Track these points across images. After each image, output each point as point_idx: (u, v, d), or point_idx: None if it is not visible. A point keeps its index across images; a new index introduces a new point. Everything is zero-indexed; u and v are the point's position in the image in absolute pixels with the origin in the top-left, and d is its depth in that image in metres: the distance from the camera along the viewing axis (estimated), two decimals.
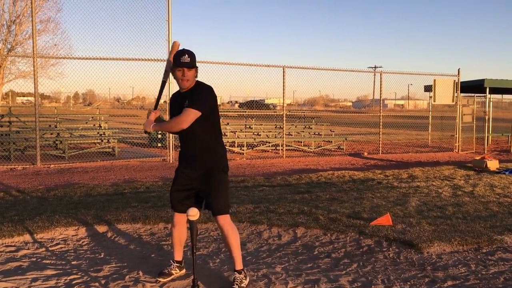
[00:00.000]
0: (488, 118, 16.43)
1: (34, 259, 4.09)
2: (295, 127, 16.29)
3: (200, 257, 4.17)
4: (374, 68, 57.23)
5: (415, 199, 6.55)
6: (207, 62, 11.33)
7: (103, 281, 3.59)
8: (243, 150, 13.16)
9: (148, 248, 4.47)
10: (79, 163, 10.46)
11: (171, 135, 10.94)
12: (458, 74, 14.73)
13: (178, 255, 3.74)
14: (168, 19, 10.71)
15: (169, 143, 11.06)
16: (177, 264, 3.72)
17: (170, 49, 3.57)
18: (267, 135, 15.09)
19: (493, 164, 9.82)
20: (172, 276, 3.65)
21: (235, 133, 14.53)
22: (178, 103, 3.41)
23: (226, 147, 3.80)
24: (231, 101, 54.68)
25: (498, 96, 23.32)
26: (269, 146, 14.25)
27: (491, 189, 7.43)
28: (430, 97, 15.30)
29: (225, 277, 3.70)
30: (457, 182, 8.09)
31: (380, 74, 14.05)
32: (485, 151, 14.58)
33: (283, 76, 12.19)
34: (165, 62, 3.62)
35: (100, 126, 14.14)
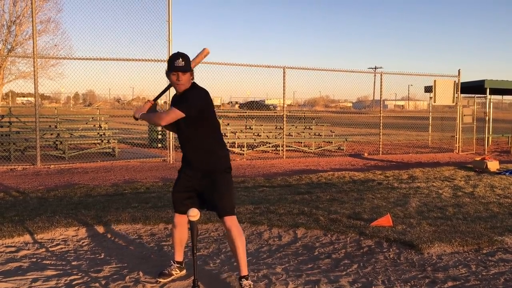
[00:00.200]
0: (489, 119, 16.43)
1: (34, 260, 4.09)
2: (296, 127, 16.29)
3: (201, 257, 4.16)
4: (374, 69, 57.22)
5: (415, 199, 6.55)
6: (207, 62, 11.32)
7: (103, 282, 3.59)
8: (243, 150, 13.16)
9: (149, 249, 4.47)
10: (79, 163, 10.46)
11: (171, 135, 10.94)
12: (459, 75, 14.74)
13: (179, 256, 3.74)
14: (169, 19, 10.71)
15: (169, 144, 11.06)
16: (177, 265, 3.72)
17: (199, 54, 3.50)
18: (267, 136, 15.09)
19: (493, 165, 9.82)
20: (173, 277, 3.65)
21: (235, 133, 14.53)
22: (174, 103, 3.40)
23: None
24: (231, 102, 54.71)
25: (499, 97, 23.33)
26: (269, 146, 14.25)
27: (492, 190, 7.43)
28: (431, 98, 15.30)
29: (225, 278, 3.70)
30: (458, 183, 8.09)
31: (381, 75, 14.05)
32: (486, 152, 14.58)
33: (284, 76, 12.20)
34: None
35: (100, 127, 14.15)
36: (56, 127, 13.14)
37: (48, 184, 7.86)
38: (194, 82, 3.40)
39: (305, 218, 5.37)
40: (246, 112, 17.18)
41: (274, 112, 22.18)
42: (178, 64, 3.24)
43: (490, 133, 16.88)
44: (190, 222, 3.00)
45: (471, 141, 15.45)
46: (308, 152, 14.10)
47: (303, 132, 16.18)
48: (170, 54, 10.14)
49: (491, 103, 17.79)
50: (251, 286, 3.36)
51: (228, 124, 14.94)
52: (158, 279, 3.60)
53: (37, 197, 6.57)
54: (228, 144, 13.11)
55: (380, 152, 13.73)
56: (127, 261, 4.10)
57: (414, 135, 20.37)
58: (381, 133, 13.97)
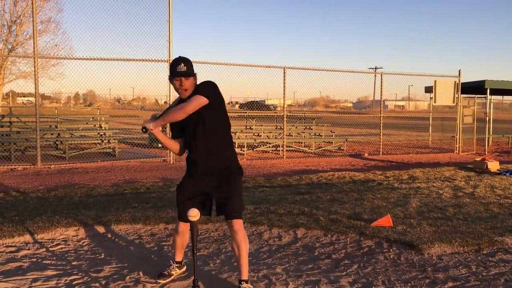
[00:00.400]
0: (489, 119, 16.42)
1: (35, 260, 4.09)
2: (296, 128, 16.29)
3: (201, 257, 4.17)
4: (374, 69, 57.26)
5: (415, 200, 6.54)
6: (207, 62, 11.34)
7: (103, 282, 3.59)
8: (243, 150, 13.16)
9: (149, 249, 4.47)
10: (80, 163, 10.47)
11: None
12: (459, 75, 14.73)
13: (179, 257, 3.75)
14: (169, 19, 10.70)
15: None
16: (177, 265, 3.73)
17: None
18: (267, 136, 15.09)
19: (493, 165, 9.82)
20: (172, 277, 3.66)
21: (235, 133, 14.53)
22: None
23: None
24: (231, 102, 54.71)
25: (499, 97, 23.34)
26: (269, 147, 14.25)
27: (492, 190, 7.43)
28: (431, 98, 15.29)
29: (226, 278, 3.70)
30: (458, 183, 8.09)
31: (381, 75, 14.05)
32: (486, 152, 14.58)
33: (284, 77, 12.20)
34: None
35: (101, 127, 14.15)
36: (56, 127, 13.14)
37: (48, 184, 7.86)
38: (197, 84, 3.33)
39: (305, 218, 5.37)
40: (246, 112, 17.16)
41: (274, 112, 22.16)
42: (180, 69, 3.17)
43: (491, 133, 16.88)
44: (190, 222, 2.99)
45: (471, 142, 15.44)
46: (308, 152, 14.10)
47: (303, 132, 16.18)
48: (171, 54, 10.28)
49: (492, 103, 17.78)
50: None
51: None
52: (158, 280, 3.60)
53: (37, 197, 6.58)
54: None
55: (381, 153, 13.73)
56: (127, 261, 4.10)
57: (414, 135, 20.37)
58: (381, 134, 13.96)
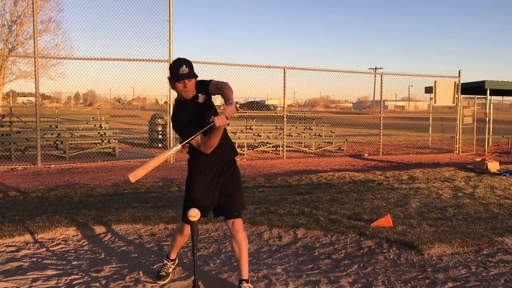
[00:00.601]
0: (489, 120, 16.43)
1: (35, 259, 4.10)
2: (296, 128, 16.29)
3: (201, 257, 4.17)
4: (374, 70, 57.25)
5: (415, 200, 6.55)
6: (207, 62, 11.34)
7: (103, 282, 3.60)
8: (243, 151, 13.16)
9: (149, 249, 4.48)
10: (80, 163, 10.47)
11: (171, 135, 10.94)
12: (459, 75, 14.73)
13: (174, 255, 3.79)
14: (169, 19, 10.70)
15: (169, 144, 11.06)
16: (171, 262, 3.77)
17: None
18: (267, 136, 15.08)
19: (493, 166, 9.82)
20: (171, 276, 3.67)
21: (235, 133, 14.52)
22: (195, 110, 3.26)
23: None
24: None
25: (499, 98, 23.34)
26: (269, 147, 14.25)
27: (492, 191, 7.43)
28: (431, 98, 15.30)
29: (226, 278, 3.70)
30: (458, 184, 8.09)
31: (381, 76, 14.05)
32: (486, 153, 14.58)
33: (284, 77, 12.20)
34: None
35: (101, 127, 14.15)
36: (56, 127, 13.14)
37: (48, 184, 7.86)
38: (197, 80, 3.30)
39: (305, 219, 5.37)
40: (246, 112, 17.14)
41: (275, 113, 22.16)
42: (183, 72, 3.15)
43: (491, 134, 16.88)
44: (190, 222, 2.99)
45: (471, 142, 15.45)
46: (308, 153, 14.10)
47: (303, 133, 16.18)
48: (171, 54, 10.28)
49: (492, 104, 17.78)
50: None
51: (229, 124, 14.88)
52: (158, 281, 3.61)
53: (37, 196, 6.58)
54: None
55: (380, 153, 13.73)
56: (127, 261, 4.10)
57: (414, 135, 20.37)
58: (381, 134, 13.97)
